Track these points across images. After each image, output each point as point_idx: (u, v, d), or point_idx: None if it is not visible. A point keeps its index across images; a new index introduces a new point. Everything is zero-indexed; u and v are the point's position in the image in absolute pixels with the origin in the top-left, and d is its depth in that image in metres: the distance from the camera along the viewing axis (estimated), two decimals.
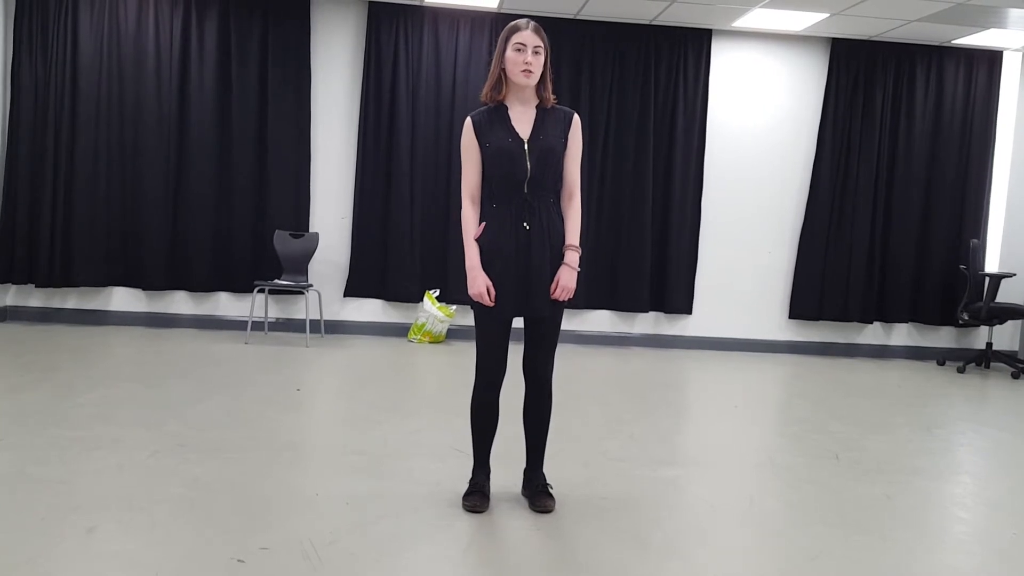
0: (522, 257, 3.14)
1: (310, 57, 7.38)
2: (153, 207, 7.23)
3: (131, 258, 7.28)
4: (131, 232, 7.25)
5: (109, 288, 7.36)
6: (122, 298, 7.39)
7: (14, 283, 7.19)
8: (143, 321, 7.37)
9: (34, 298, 7.29)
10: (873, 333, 8.08)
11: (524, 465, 3.40)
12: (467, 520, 3.14)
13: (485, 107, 3.22)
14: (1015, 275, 7.68)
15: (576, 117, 3.25)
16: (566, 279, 3.15)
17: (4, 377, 5.19)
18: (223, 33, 7.26)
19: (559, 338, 3.30)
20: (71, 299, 7.33)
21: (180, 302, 7.45)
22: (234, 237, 7.35)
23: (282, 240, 7.22)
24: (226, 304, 7.50)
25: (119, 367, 5.71)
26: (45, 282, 7.13)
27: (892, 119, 7.86)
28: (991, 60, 7.87)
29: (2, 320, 7.19)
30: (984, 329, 7.98)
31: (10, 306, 7.26)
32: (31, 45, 7.07)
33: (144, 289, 7.33)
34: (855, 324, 8.03)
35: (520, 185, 3.14)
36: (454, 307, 7.36)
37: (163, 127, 7.22)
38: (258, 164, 7.36)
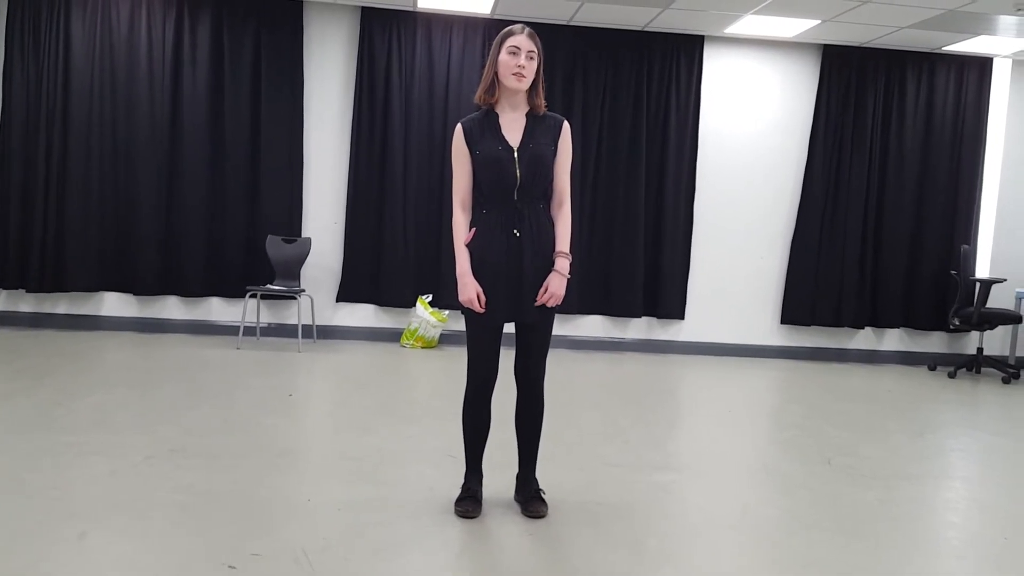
0: (512, 263, 3.14)
1: (303, 62, 7.37)
2: (145, 212, 7.21)
3: (123, 263, 7.25)
4: (123, 237, 7.23)
5: (101, 293, 7.34)
6: (114, 303, 7.37)
7: (5, 288, 7.16)
8: (135, 326, 7.35)
9: (25, 303, 7.26)
10: (864, 338, 8.11)
11: (517, 470, 3.40)
12: (459, 526, 3.14)
13: (476, 114, 3.23)
14: (1005, 280, 7.72)
15: (566, 124, 3.26)
16: (555, 286, 3.16)
17: None
18: (216, 38, 7.25)
19: (551, 343, 3.30)
20: (62, 304, 7.30)
21: (172, 307, 7.43)
22: (226, 242, 7.34)
23: (274, 245, 7.21)
24: (218, 309, 7.48)
25: (111, 372, 5.69)
26: (36, 287, 7.11)
27: (883, 125, 7.89)
28: (981, 67, 7.92)
29: None
30: (975, 334, 8.01)
31: (1, 311, 7.23)
32: (23, 49, 7.06)
33: (136, 294, 7.31)
34: (847, 329, 8.05)
35: (510, 192, 3.14)
36: (447, 312, 7.35)
37: (156, 132, 7.20)
38: (251, 169, 7.35)
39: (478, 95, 3.21)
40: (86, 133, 7.13)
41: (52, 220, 7.10)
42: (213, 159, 7.30)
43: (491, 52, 3.19)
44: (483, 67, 3.24)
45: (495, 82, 3.17)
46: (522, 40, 3.12)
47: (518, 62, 3.10)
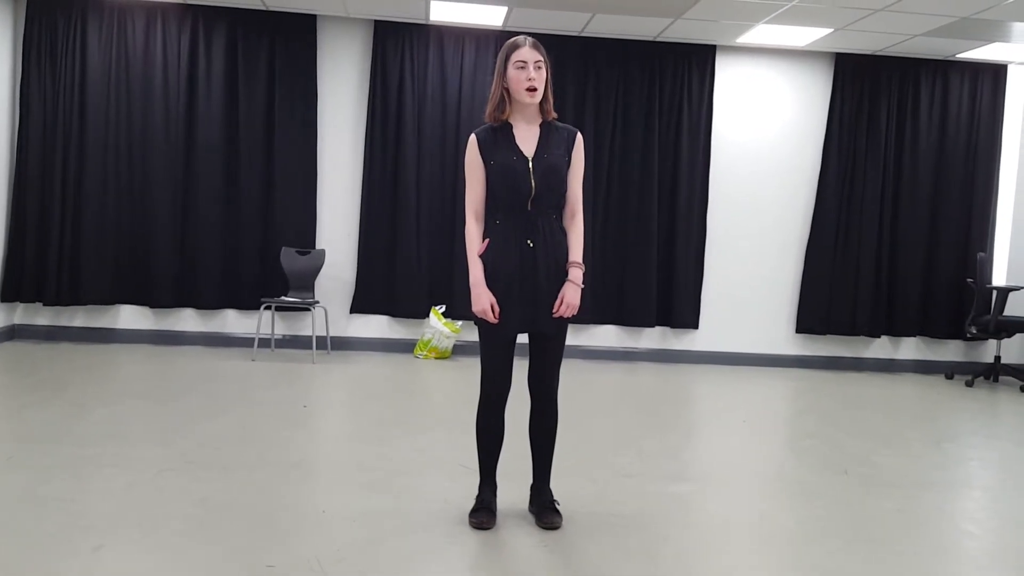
0: (526, 274, 3.15)
1: (316, 76, 7.41)
2: (161, 225, 7.25)
3: (139, 276, 7.29)
4: (139, 250, 7.27)
5: (116, 306, 7.38)
6: (129, 316, 7.40)
7: (22, 301, 7.21)
8: (150, 339, 7.39)
9: (41, 316, 7.31)
10: (881, 347, 8.06)
11: (531, 481, 3.40)
12: (474, 537, 3.14)
13: (489, 124, 3.23)
14: (1023, 288, 7.65)
15: (580, 135, 3.26)
16: (570, 296, 3.16)
17: (12, 396, 5.21)
18: (230, 53, 7.30)
19: (565, 353, 3.30)
20: (78, 317, 7.35)
21: (187, 319, 7.46)
22: (241, 254, 7.37)
23: (289, 257, 7.24)
24: (233, 321, 7.51)
25: (127, 385, 5.72)
26: (53, 300, 7.15)
27: (897, 133, 7.86)
28: (995, 73, 7.88)
29: (10, 339, 7.21)
30: (992, 342, 7.94)
31: (18, 324, 7.28)
32: (40, 65, 7.12)
33: (151, 307, 7.35)
34: (862, 338, 8.00)
35: (524, 202, 3.15)
36: (460, 323, 7.35)
37: (171, 146, 7.25)
38: (265, 182, 7.38)
39: (488, 113, 3.20)
40: (102, 147, 7.18)
41: (68, 233, 7.15)
42: (228, 172, 7.34)
43: (497, 68, 3.18)
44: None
45: (504, 98, 3.17)
46: (527, 52, 3.12)
47: (528, 75, 3.10)
